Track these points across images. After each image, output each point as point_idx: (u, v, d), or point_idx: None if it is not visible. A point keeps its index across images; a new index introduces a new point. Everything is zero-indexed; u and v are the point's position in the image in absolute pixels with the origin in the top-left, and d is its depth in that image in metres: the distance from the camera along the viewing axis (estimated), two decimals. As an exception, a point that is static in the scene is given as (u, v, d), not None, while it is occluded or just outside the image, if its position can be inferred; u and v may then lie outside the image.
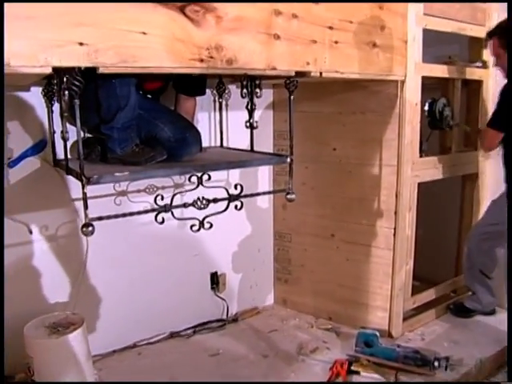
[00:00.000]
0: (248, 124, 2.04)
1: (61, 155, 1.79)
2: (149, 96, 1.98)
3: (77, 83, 1.36)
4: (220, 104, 2.29)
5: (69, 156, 1.68)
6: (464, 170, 2.63)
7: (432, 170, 2.40)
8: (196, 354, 2.26)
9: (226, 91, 2.25)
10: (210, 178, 1.71)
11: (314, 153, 2.46)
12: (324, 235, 2.51)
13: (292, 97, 1.79)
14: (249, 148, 2.10)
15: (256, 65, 1.62)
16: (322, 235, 2.52)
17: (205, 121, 2.34)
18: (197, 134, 1.87)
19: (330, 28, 1.80)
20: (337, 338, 2.42)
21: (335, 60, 1.83)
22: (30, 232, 1.98)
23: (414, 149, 2.26)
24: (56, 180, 1.98)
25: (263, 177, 2.66)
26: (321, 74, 1.80)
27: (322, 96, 2.38)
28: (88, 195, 1.43)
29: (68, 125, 1.57)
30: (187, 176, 1.77)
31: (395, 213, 2.28)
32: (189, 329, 2.45)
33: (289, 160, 1.86)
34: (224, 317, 2.58)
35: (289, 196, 1.87)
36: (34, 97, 1.88)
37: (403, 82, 2.14)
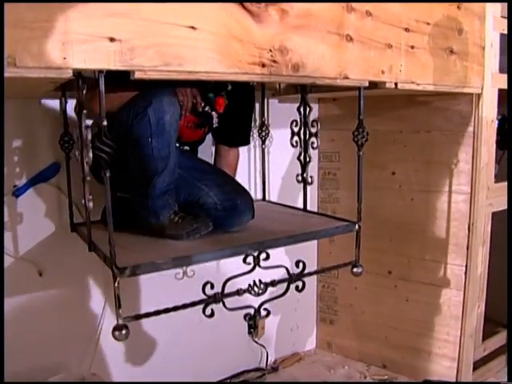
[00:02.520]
0: (300, 178, 1.75)
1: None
2: (186, 148, 1.66)
3: (107, 149, 1.07)
4: (263, 150, 1.98)
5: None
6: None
7: (506, 196, 2.06)
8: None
9: (269, 135, 1.97)
10: (268, 257, 1.35)
11: (369, 177, 2.12)
12: (379, 271, 2.18)
13: (362, 116, 1.47)
14: (291, 201, 1.84)
15: (326, 72, 1.31)
16: (376, 271, 2.18)
17: (243, 167, 2.00)
18: (249, 200, 1.52)
19: (406, 30, 1.49)
20: (396, 393, 2.08)
21: (411, 68, 1.53)
22: (40, 274, 1.67)
23: (489, 173, 1.94)
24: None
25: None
26: (396, 84, 1.49)
27: (379, 112, 2.07)
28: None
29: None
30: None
31: (467, 248, 1.95)
32: (223, 381, 2.11)
33: (357, 227, 1.55)
34: (262, 365, 2.24)
35: (355, 270, 1.54)
36: (45, 109, 1.60)
37: (479, 96, 1.83)
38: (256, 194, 2.10)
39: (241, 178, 1.86)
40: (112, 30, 0.99)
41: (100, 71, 1.01)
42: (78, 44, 0.96)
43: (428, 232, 2.04)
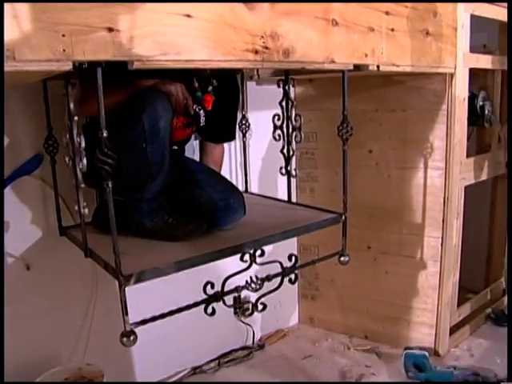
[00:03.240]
0: (284, 171, 1.79)
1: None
2: (175, 147, 1.65)
3: (109, 160, 1.07)
4: (244, 143, 2.00)
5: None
6: (503, 169, 2.41)
7: (476, 171, 2.17)
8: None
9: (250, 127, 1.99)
10: (263, 253, 1.40)
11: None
12: (358, 247, 2.25)
13: (346, 95, 1.51)
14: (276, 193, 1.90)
15: (314, 57, 1.34)
16: (355, 247, 2.23)
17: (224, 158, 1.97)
18: (241, 198, 1.53)
19: (387, 13, 1.53)
20: (379, 360, 2.18)
21: (391, 51, 1.57)
22: (28, 268, 1.65)
23: (462, 149, 2.03)
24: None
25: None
26: (378, 67, 1.53)
27: (355, 92, 2.06)
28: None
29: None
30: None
31: (443, 220, 2.04)
32: (212, 361, 2.15)
33: (343, 218, 1.61)
34: (249, 344, 2.30)
35: (342, 258, 1.60)
36: (28, 96, 1.55)
37: (452, 75, 1.90)
38: (238, 186, 2.11)
39: (222, 169, 1.86)
40: (109, 20, 0.98)
41: (98, 63, 1.00)
42: (76, 35, 0.95)
43: (405, 207, 2.13)
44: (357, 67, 1.47)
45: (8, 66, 0.89)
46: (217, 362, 2.15)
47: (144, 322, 1.18)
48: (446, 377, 1.93)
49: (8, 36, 0.88)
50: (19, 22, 0.89)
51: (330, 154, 2.23)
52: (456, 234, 2.09)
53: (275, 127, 1.77)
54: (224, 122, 1.74)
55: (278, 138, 1.77)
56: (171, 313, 1.24)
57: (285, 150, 1.78)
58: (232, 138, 1.83)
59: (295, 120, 1.72)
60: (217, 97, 1.62)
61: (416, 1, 1.62)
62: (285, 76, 1.72)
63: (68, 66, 0.96)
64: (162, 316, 1.22)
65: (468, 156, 2.14)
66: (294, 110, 1.74)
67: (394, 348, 2.23)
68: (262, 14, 1.21)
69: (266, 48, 1.22)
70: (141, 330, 1.83)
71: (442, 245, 2.06)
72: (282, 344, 2.36)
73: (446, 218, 2.03)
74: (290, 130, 1.74)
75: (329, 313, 2.46)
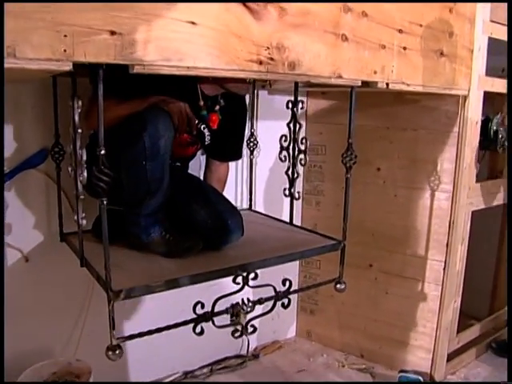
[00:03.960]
0: (288, 193, 1.79)
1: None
2: (178, 164, 1.65)
3: (105, 178, 1.07)
4: (251, 161, 2.00)
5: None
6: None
7: (486, 196, 2.13)
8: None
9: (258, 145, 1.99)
10: (256, 276, 1.38)
11: (354, 172, 2.14)
12: (360, 264, 2.23)
13: (353, 112, 1.50)
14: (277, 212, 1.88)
15: (321, 71, 1.33)
16: (357, 264, 2.23)
17: (230, 174, 1.94)
18: (240, 220, 1.52)
19: (400, 31, 1.52)
20: (373, 380, 2.15)
21: (402, 69, 1.55)
22: (26, 260, 1.66)
23: (471, 173, 2.00)
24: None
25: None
26: (387, 85, 1.52)
27: (366, 107, 2.09)
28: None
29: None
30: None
31: (447, 245, 2.01)
32: (205, 367, 2.14)
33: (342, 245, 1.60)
34: (243, 352, 2.28)
35: (338, 286, 1.59)
36: (38, 90, 1.57)
37: (465, 98, 1.87)
38: (242, 202, 2.14)
39: (228, 185, 1.88)
40: (113, 24, 0.98)
41: (100, 65, 1.01)
42: (78, 36, 0.95)
43: (410, 228, 2.10)
44: (365, 84, 1.46)
45: (8, 63, 0.90)
46: (209, 368, 2.14)
47: (131, 337, 1.18)
48: (438, 404, 1.89)
49: (10, 33, 0.88)
50: (22, 19, 0.90)
51: (337, 169, 2.18)
52: (460, 259, 2.06)
53: (282, 148, 1.76)
54: (230, 141, 1.74)
55: (283, 159, 1.76)
56: (159, 330, 1.23)
57: (289, 172, 1.78)
58: (238, 157, 1.83)
59: (302, 143, 1.72)
60: (224, 116, 1.62)
61: (433, 1, 1.60)
62: (294, 97, 1.72)
63: (68, 67, 0.96)
64: (149, 332, 1.21)
65: (478, 180, 2.10)
66: (301, 132, 1.73)
67: (389, 369, 2.21)
68: (270, 25, 1.20)
69: (271, 59, 1.22)
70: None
71: (444, 269, 2.03)
72: (276, 355, 2.34)
73: (450, 242, 2.00)
74: (296, 152, 1.74)
75: (326, 328, 2.44)
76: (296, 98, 1.71)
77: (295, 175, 1.77)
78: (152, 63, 1.05)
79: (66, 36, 0.94)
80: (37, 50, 0.92)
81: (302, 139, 1.72)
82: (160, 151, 1.30)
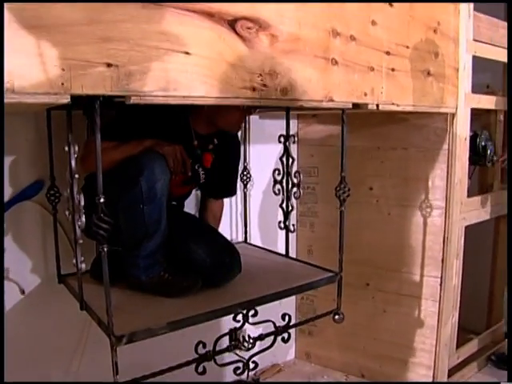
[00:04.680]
0: (283, 225, 1.82)
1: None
2: (174, 203, 1.67)
3: (105, 225, 1.08)
4: (245, 194, 2.02)
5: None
6: (505, 210, 2.39)
7: (478, 210, 2.16)
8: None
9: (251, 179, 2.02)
10: (256, 313, 1.41)
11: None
12: (357, 284, 2.23)
13: (345, 135, 1.52)
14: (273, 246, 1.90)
15: (312, 95, 1.35)
16: (354, 284, 2.23)
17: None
18: (237, 257, 1.55)
19: (387, 53, 1.55)
20: (374, 402, 2.13)
21: (392, 90, 1.59)
22: (22, 292, 1.64)
23: (463, 188, 2.03)
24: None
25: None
26: (377, 106, 1.55)
27: (357, 128, 2.12)
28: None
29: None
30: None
31: (442, 260, 2.02)
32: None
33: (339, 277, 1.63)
34: (243, 377, 2.25)
35: (336, 317, 1.62)
36: (31, 121, 1.58)
37: (453, 115, 1.91)
38: (237, 235, 2.14)
39: (222, 218, 1.89)
40: (108, 56, 1.00)
41: (96, 97, 1.02)
42: (75, 70, 0.96)
43: (404, 245, 2.11)
44: (356, 106, 1.48)
45: (7, 98, 0.91)
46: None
47: (135, 380, 1.19)
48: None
49: (8, 68, 0.89)
50: (19, 54, 0.91)
51: (330, 190, 2.20)
52: (456, 274, 2.07)
53: (275, 182, 1.79)
54: (224, 179, 1.76)
55: (277, 192, 1.78)
56: (162, 372, 1.24)
57: (284, 205, 1.80)
58: (232, 194, 1.85)
59: (295, 176, 1.74)
60: (218, 153, 1.65)
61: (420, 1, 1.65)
62: (286, 132, 1.76)
63: (66, 99, 0.97)
64: (153, 375, 1.23)
65: (469, 196, 2.13)
66: (294, 166, 1.76)
67: (392, 388, 2.19)
68: (262, 52, 1.23)
69: (264, 86, 1.24)
70: (137, 350, 1.85)
71: (441, 285, 2.03)
72: (277, 379, 2.32)
73: (445, 257, 2.01)
74: (290, 185, 1.76)
75: (326, 349, 2.42)
76: (288, 132, 1.76)
77: (289, 208, 1.79)
78: (148, 94, 1.06)
79: (63, 70, 0.95)
80: (35, 85, 0.93)
81: (295, 173, 1.75)
82: (157, 195, 1.32)
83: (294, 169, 1.76)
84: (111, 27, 0.99)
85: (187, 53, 1.10)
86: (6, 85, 0.90)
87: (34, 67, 0.92)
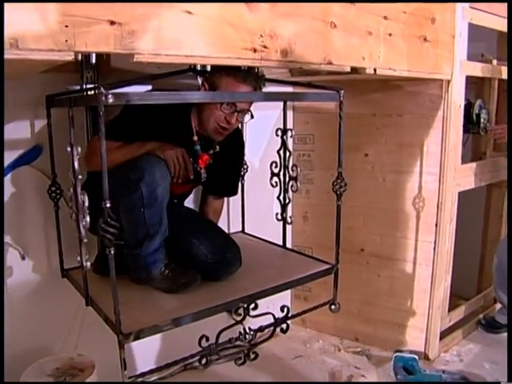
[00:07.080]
0: (280, 217, 1.84)
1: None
2: (175, 201, 1.68)
3: (112, 230, 1.09)
4: (242, 185, 2.01)
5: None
6: (498, 177, 2.44)
7: (471, 177, 2.20)
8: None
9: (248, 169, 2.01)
10: (256, 306, 1.48)
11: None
12: (351, 249, 2.27)
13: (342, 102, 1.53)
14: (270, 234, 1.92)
15: (312, 58, 1.37)
16: (349, 249, 2.26)
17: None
18: (238, 252, 1.58)
19: (385, 18, 1.56)
20: (369, 362, 2.20)
21: (389, 55, 1.60)
22: (23, 258, 1.66)
23: (457, 155, 2.06)
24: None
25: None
26: (375, 70, 1.56)
27: (354, 95, 2.12)
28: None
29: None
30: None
31: (436, 225, 2.06)
32: (202, 358, 2.15)
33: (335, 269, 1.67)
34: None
35: (333, 307, 1.66)
36: (27, 91, 1.56)
37: (449, 82, 1.93)
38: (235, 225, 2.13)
39: None
40: (112, 13, 1.00)
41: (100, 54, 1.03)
42: (79, 26, 0.97)
43: (399, 211, 2.15)
44: (354, 69, 1.50)
45: (11, 54, 0.91)
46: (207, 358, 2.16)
47: (142, 374, 1.24)
48: (434, 380, 1.94)
49: (12, 25, 0.90)
50: (24, 11, 0.91)
51: (326, 157, 2.26)
52: (449, 238, 2.12)
53: (272, 174, 1.80)
54: (227, 179, 1.78)
55: (274, 184, 1.80)
56: (168, 365, 1.33)
57: (281, 197, 1.83)
58: (233, 193, 1.86)
59: (292, 170, 1.76)
60: (221, 153, 1.66)
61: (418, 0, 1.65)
62: (283, 126, 1.79)
63: (70, 57, 0.98)
64: (159, 369, 1.32)
65: (463, 163, 2.16)
66: (291, 159, 1.79)
67: (384, 351, 2.25)
68: (262, 13, 1.23)
69: (265, 47, 1.25)
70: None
71: (434, 249, 2.08)
72: (273, 344, 2.35)
73: (439, 222, 2.05)
74: (287, 178, 1.78)
75: (320, 314, 2.45)
76: (285, 126, 1.79)
77: (287, 201, 1.82)
78: (151, 52, 1.07)
79: (67, 26, 0.95)
80: (39, 41, 0.93)
81: (293, 166, 1.77)
82: (158, 199, 1.35)
83: (291, 162, 1.80)
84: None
85: (189, 12, 1.11)
86: (10, 41, 0.90)
87: (38, 24, 0.93)
